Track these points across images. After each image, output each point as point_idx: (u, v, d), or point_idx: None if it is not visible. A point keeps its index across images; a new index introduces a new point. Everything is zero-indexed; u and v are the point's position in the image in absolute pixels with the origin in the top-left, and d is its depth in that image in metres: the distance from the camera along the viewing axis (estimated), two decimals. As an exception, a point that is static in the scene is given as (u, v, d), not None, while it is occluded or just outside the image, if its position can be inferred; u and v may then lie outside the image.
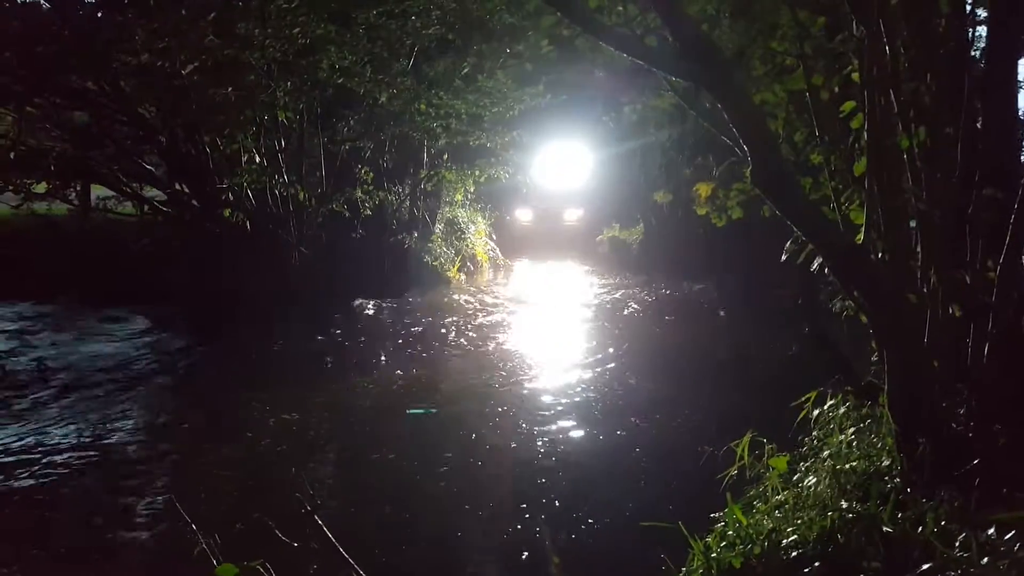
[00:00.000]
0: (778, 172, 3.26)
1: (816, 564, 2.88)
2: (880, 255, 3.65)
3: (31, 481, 6.16)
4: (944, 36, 3.40)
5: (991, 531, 2.66)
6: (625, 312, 13.32)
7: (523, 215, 21.03)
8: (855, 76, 3.72)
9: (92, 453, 6.77)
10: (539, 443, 6.97)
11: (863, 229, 3.54)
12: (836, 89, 3.83)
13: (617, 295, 14.72)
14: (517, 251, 20.00)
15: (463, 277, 16.62)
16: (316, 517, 1.92)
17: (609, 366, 9.63)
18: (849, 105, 3.81)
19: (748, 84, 3.83)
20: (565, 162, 20.10)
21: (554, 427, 7.45)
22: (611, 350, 10.48)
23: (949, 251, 3.50)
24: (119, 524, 5.41)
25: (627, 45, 3.18)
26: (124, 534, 5.27)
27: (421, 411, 7.66)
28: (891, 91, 3.43)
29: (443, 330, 11.72)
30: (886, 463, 3.58)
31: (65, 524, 5.48)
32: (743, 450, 3.95)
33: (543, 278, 17.32)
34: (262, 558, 2.00)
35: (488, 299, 14.48)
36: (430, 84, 11.31)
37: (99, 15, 13.41)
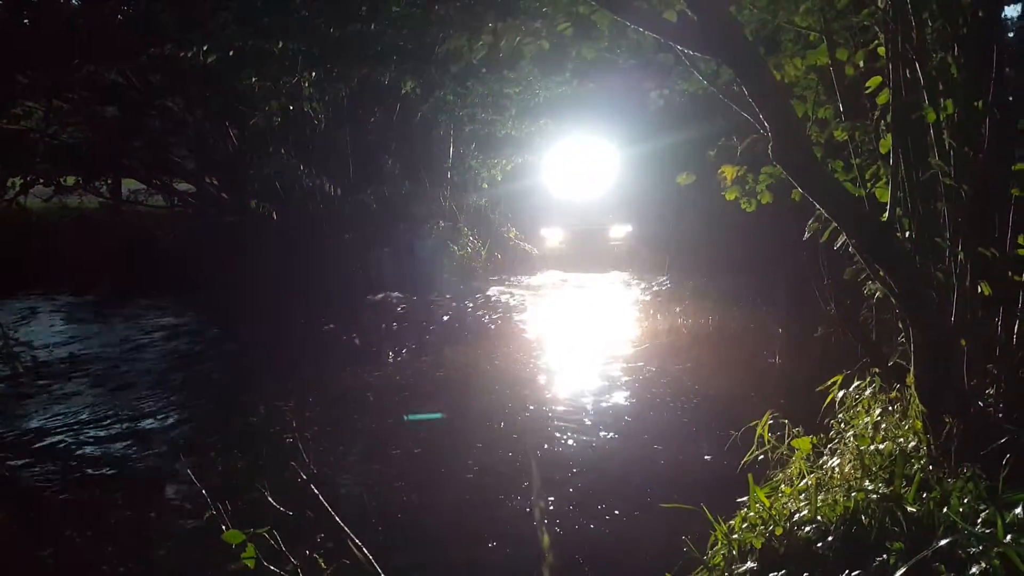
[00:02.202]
0: (800, 148, 3.21)
1: (838, 544, 2.84)
2: (907, 232, 3.58)
3: (61, 463, 6.33)
4: (972, 6, 3.31)
5: (1018, 510, 2.61)
6: (650, 306, 12.97)
7: (552, 236, 16.54)
8: (881, 50, 3.64)
9: (115, 435, 6.95)
10: (570, 432, 6.93)
11: (888, 206, 3.47)
12: (861, 64, 3.75)
13: (646, 294, 14.37)
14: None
15: (491, 267, 16.54)
16: (312, 487, 1.92)
17: (634, 351, 9.55)
18: (875, 80, 3.73)
19: (770, 59, 3.77)
20: (595, 167, 16.21)
21: (587, 416, 7.40)
22: (635, 338, 10.39)
23: (978, 228, 3.42)
24: (140, 499, 5.57)
25: (645, 20, 3.14)
26: (144, 508, 5.43)
27: (422, 416, 7.38)
28: (917, 64, 3.36)
29: (471, 320, 11.70)
30: (912, 444, 3.52)
31: (90, 501, 5.64)
32: (763, 430, 3.91)
33: (574, 272, 16.82)
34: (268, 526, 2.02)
35: (517, 290, 14.41)
36: (454, 75, 11.31)
37: (125, 8, 13.56)
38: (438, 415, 7.34)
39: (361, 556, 1.82)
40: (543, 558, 4.29)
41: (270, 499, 2.07)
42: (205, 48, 11.33)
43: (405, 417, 7.31)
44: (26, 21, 13.27)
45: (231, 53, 11.02)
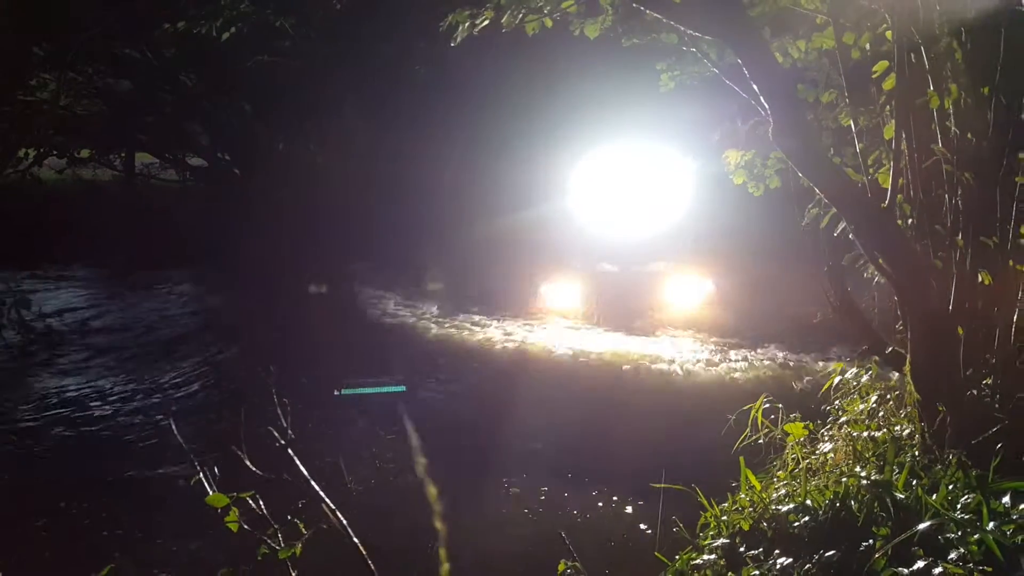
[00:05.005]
0: (800, 130, 3.18)
1: (825, 527, 2.85)
2: (908, 219, 3.55)
3: (71, 424, 6.49)
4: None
5: (1006, 499, 2.61)
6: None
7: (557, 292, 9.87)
8: (888, 34, 3.60)
9: (114, 399, 7.09)
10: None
11: (889, 192, 3.44)
12: (867, 47, 3.71)
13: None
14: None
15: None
16: (290, 450, 1.95)
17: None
18: (882, 65, 3.68)
19: (774, 43, 3.73)
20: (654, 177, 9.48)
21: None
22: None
23: (979, 216, 3.39)
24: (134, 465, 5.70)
25: (647, -1, 3.12)
26: (135, 469, 5.57)
27: (355, 390, 6.46)
28: (923, 49, 3.32)
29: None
30: (907, 431, 3.52)
31: (91, 463, 5.77)
32: (756, 414, 3.91)
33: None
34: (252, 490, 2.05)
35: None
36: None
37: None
38: (400, 388, 6.65)
39: (336, 521, 1.84)
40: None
41: (248, 463, 2.10)
42: (219, 24, 11.33)
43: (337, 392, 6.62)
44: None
45: (244, 30, 11.01)
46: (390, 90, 13.38)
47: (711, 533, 3.31)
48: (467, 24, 3.38)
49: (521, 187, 10.24)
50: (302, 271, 12.07)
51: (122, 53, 13.80)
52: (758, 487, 3.37)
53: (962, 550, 2.23)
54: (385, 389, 6.82)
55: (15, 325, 9.35)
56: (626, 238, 9.46)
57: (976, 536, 2.25)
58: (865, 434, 3.49)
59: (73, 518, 5.02)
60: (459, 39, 3.45)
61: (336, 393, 6.58)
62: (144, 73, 14.69)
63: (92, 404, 7.08)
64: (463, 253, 10.83)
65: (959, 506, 2.49)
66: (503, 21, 3.29)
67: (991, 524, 2.30)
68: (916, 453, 3.19)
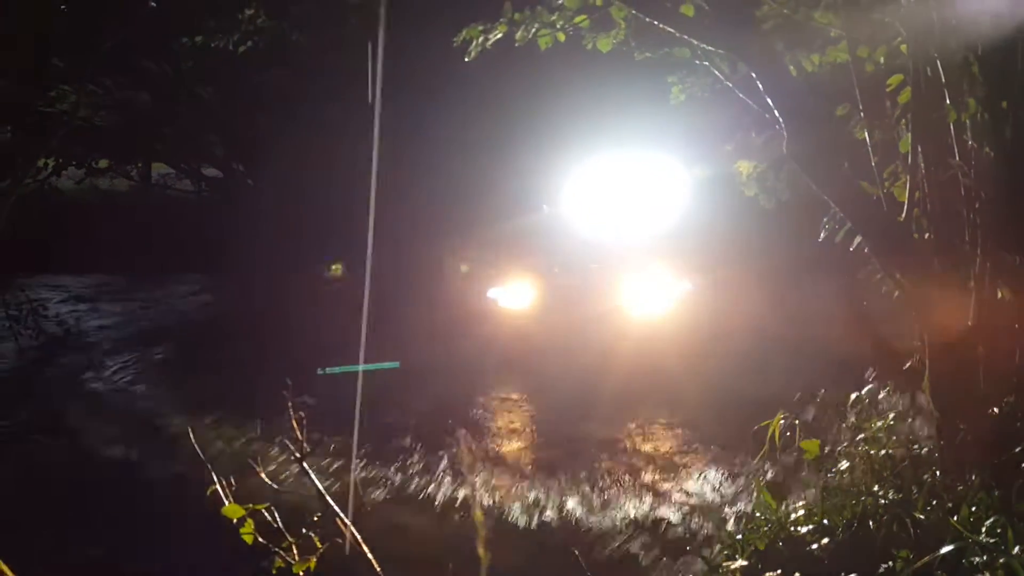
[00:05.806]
0: (816, 145, 3.15)
1: (844, 548, 2.80)
2: (925, 234, 3.51)
3: (81, 429, 6.55)
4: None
5: (1030, 521, 2.55)
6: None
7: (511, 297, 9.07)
8: (903, 48, 3.56)
9: (129, 401, 7.16)
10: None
11: (906, 207, 3.40)
12: (881, 61, 3.67)
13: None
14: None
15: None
16: (304, 464, 1.92)
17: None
18: (897, 78, 3.64)
19: (787, 56, 3.70)
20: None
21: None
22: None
23: (998, 231, 3.34)
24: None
25: (659, 13, 3.10)
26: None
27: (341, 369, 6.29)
28: (938, 62, 3.28)
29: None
30: (925, 450, 3.46)
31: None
32: (774, 432, 3.86)
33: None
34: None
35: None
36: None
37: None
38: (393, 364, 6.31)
39: (350, 536, 1.82)
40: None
41: (263, 476, 2.07)
42: (236, 38, 11.44)
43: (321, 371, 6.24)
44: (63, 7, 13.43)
45: (260, 44, 11.10)
46: (397, 101, 13.39)
47: (725, 552, 3.27)
48: (480, 39, 3.39)
49: (519, 193, 9.95)
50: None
51: (141, 65, 13.94)
52: (774, 506, 3.32)
53: (987, 575, 2.18)
54: (375, 366, 6.63)
55: (31, 331, 9.47)
56: (617, 246, 8.89)
57: (1002, 560, 2.19)
58: (883, 452, 3.43)
59: (83, 524, 5.01)
60: (473, 54, 3.46)
61: (319, 371, 5.97)
62: (162, 85, 14.83)
63: (103, 410, 7.13)
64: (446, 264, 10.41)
65: (983, 529, 2.43)
66: (516, 36, 3.29)
67: (1016, 548, 2.25)
68: (936, 473, 3.13)
